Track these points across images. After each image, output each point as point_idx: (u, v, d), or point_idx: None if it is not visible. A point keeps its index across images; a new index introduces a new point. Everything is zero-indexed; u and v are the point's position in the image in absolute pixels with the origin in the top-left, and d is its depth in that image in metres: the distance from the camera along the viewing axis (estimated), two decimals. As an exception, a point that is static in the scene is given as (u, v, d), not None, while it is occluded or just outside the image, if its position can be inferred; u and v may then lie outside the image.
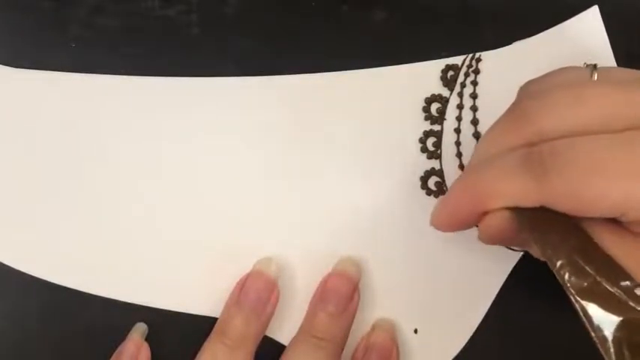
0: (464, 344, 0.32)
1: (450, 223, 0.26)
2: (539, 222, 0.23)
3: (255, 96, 0.33)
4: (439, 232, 0.32)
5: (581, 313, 0.21)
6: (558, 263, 0.22)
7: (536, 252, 0.26)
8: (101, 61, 0.34)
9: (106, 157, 0.33)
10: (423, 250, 0.32)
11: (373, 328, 0.31)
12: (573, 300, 0.21)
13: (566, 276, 0.22)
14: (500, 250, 0.31)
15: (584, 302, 0.21)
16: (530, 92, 0.26)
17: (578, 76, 0.26)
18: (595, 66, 0.26)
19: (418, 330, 0.32)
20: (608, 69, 0.26)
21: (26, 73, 0.34)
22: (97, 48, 0.34)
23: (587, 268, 0.22)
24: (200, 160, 0.33)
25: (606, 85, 0.24)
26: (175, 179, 0.33)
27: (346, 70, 0.33)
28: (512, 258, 0.32)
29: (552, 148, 0.23)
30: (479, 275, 0.32)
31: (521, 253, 0.31)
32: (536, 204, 0.23)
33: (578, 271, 0.22)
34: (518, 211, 0.23)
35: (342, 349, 0.31)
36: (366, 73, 0.33)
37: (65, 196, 0.33)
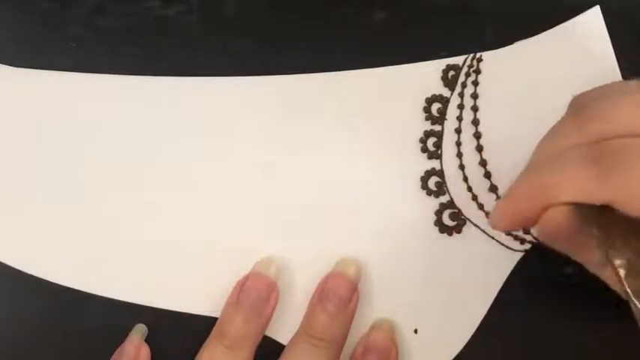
0: (464, 344, 0.32)
1: (512, 220, 0.25)
2: (602, 220, 0.23)
3: (255, 96, 0.33)
4: (439, 233, 0.32)
5: (636, 314, 0.21)
6: (617, 263, 0.22)
7: (590, 257, 0.26)
8: (101, 61, 0.34)
9: (106, 157, 0.33)
10: (423, 251, 0.32)
11: (372, 328, 0.31)
12: (631, 300, 0.21)
13: (624, 276, 0.22)
14: (501, 250, 0.31)
15: None
16: (590, 98, 0.26)
17: (635, 85, 0.26)
18: None
19: (418, 330, 0.32)
20: None
21: (26, 73, 0.34)
22: (97, 48, 0.34)
23: None
24: (200, 160, 0.33)
25: None
26: (175, 179, 0.33)
27: (346, 70, 0.33)
28: (512, 258, 0.32)
29: (617, 146, 0.23)
30: (479, 275, 0.32)
31: (522, 253, 0.31)
32: (600, 202, 0.23)
33: (636, 273, 0.22)
34: (580, 208, 0.23)
35: (341, 349, 0.31)
36: (366, 73, 0.33)
37: (65, 196, 0.33)
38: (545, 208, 0.24)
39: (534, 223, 0.25)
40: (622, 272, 0.22)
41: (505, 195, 0.26)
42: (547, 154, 0.25)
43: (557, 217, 0.24)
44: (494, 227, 0.27)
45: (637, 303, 0.21)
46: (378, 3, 0.33)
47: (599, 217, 0.23)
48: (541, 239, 0.26)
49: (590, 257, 0.26)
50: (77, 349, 0.32)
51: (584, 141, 0.24)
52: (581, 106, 0.26)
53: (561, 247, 0.26)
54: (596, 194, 0.23)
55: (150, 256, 0.32)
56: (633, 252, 0.22)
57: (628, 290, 0.21)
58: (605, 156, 0.23)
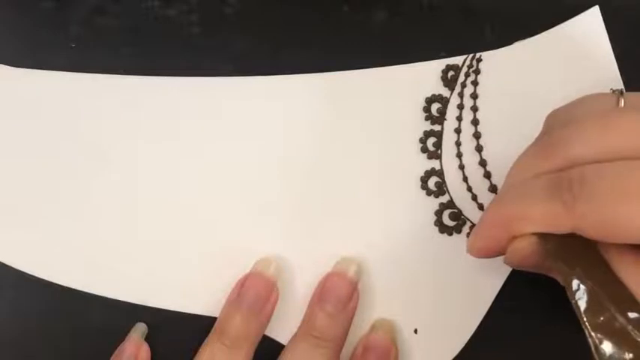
0: (464, 344, 0.32)
1: (482, 249, 0.26)
2: (565, 251, 0.23)
3: (255, 96, 0.33)
4: (439, 233, 0.32)
5: (593, 348, 0.21)
6: (577, 295, 0.22)
7: (560, 279, 0.26)
8: (101, 61, 0.34)
9: (106, 157, 0.33)
10: (423, 251, 0.32)
11: (372, 328, 0.31)
12: (587, 334, 0.22)
13: (583, 308, 0.22)
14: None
15: (598, 337, 0.21)
16: (559, 120, 0.26)
17: (606, 103, 0.26)
18: (622, 92, 0.26)
19: (418, 330, 0.32)
20: (635, 94, 0.27)
21: (26, 73, 0.34)
22: (97, 48, 0.34)
23: (606, 303, 0.22)
24: (200, 159, 0.33)
25: (634, 111, 0.24)
26: (175, 179, 0.33)
27: (346, 70, 0.33)
28: (512, 258, 0.32)
29: (581, 174, 0.23)
30: (479, 275, 0.32)
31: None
32: (566, 230, 0.23)
33: (596, 305, 0.22)
34: (545, 238, 0.24)
35: (341, 349, 0.31)
36: (366, 73, 0.33)
37: (65, 196, 0.33)
38: (511, 239, 0.24)
39: (503, 252, 0.25)
40: (580, 304, 0.22)
41: (476, 226, 0.27)
42: (515, 182, 0.26)
43: (524, 247, 0.24)
44: (471, 255, 0.27)
45: (595, 338, 0.21)
46: (378, 3, 0.33)
47: (563, 247, 0.23)
48: (509, 265, 0.26)
49: (559, 280, 0.26)
50: (77, 349, 0.32)
51: (550, 168, 0.24)
52: (547, 130, 0.26)
53: (530, 269, 0.27)
54: (562, 223, 0.23)
55: (150, 256, 0.32)
56: (594, 283, 0.22)
57: (587, 325, 0.22)
58: (569, 185, 0.23)
